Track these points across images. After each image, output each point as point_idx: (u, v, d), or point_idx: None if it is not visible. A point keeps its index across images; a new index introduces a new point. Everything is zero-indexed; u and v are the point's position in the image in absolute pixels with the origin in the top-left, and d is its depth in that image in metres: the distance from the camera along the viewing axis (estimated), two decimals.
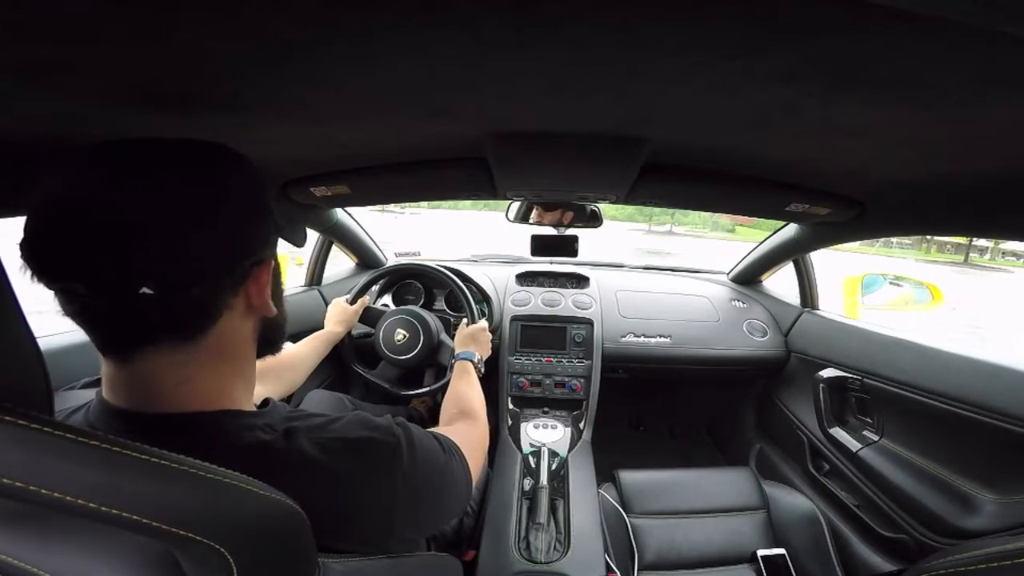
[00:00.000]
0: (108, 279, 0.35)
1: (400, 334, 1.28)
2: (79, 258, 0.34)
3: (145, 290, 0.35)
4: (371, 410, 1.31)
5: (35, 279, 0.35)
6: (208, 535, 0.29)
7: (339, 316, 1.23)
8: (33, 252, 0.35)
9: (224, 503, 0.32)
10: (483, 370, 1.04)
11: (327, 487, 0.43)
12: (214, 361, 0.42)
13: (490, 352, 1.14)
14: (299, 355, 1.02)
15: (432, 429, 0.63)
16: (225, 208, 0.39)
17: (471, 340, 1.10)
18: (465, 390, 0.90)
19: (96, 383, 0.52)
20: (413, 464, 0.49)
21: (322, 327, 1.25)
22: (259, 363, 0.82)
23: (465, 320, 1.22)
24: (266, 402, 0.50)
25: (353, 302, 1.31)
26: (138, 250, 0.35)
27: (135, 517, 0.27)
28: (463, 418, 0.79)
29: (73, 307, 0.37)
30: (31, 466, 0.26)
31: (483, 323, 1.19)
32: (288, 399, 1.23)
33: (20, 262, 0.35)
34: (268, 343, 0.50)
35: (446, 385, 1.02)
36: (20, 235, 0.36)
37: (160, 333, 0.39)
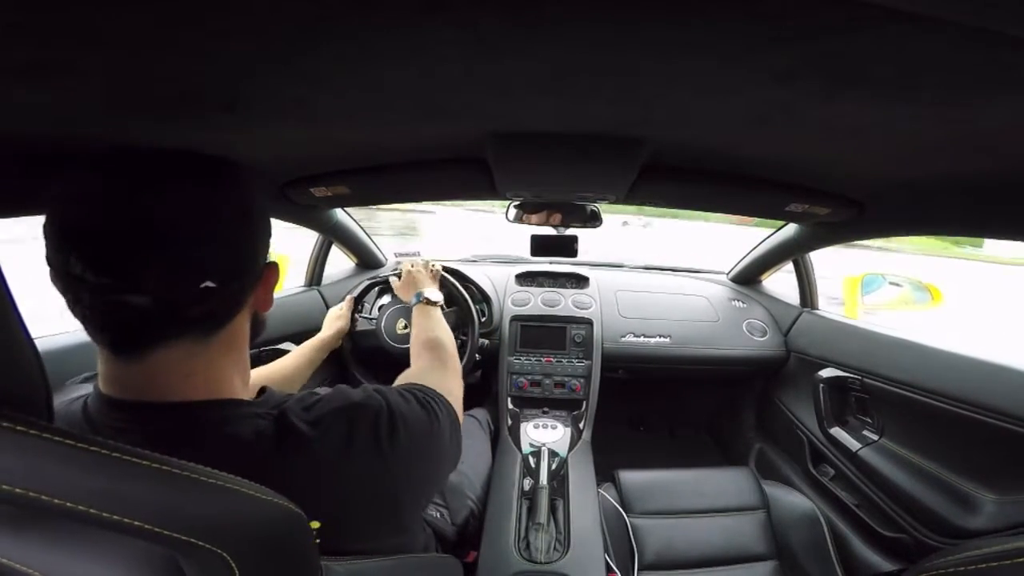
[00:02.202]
0: (176, 274, 0.38)
1: (402, 323, 1.28)
2: (146, 254, 0.37)
3: (208, 284, 0.40)
4: None
5: (87, 274, 0.36)
6: (211, 540, 0.29)
7: (331, 324, 1.23)
8: (93, 249, 0.37)
9: (226, 508, 0.32)
10: (438, 301, 1.02)
11: (324, 460, 0.44)
12: (221, 353, 0.45)
13: (433, 283, 1.10)
14: (293, 366, 1.02)
15: (405, 373, 0.65)
16: (254, 213, 0.46)
17: (410, 284, 1.07)
18: (428, 324, 0.90)
19: (94, 378, 0.53)
20: (400, 421, 0.51)
21: (321, 327, 1.25)
22: (256, 377, 0.82)
23: (398, 270, 1.18)
24: (263, 390, 0.52)
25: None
26: (203, 248, 0.40)
27: (137, 523, 0.27)
28: (431, 351, 0.78)
29: (106, 305, 0.38)
30: (32, 472, 0.26)
31: (412, 260, 1.16)
32: None
33: (59, 256, 0.37)
34: (251, 336, 0.53)
35: None
36: (53, 232, 0.38)
37: (188, 328, 0.41)
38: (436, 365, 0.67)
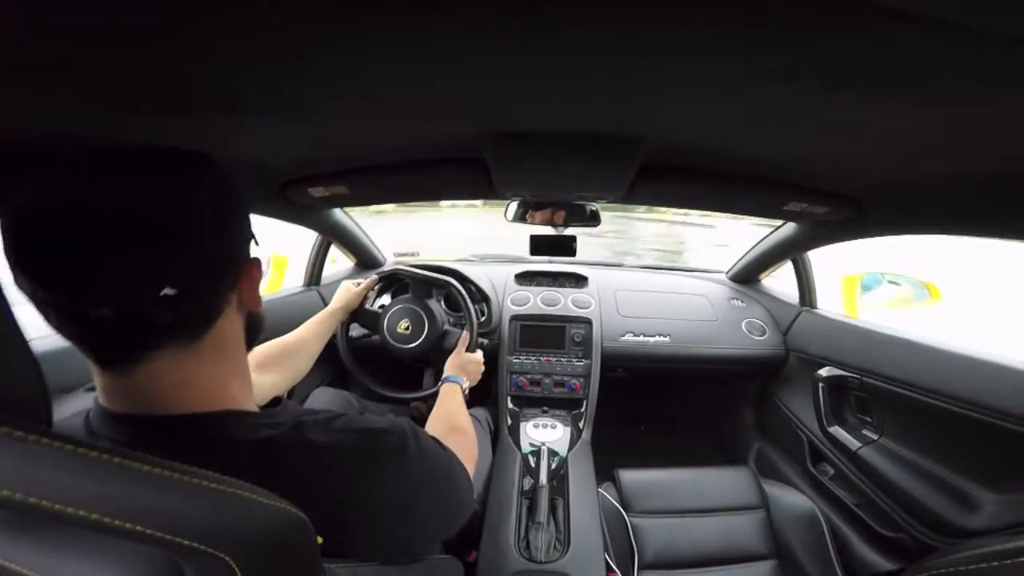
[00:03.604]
0: (132, 282, 0.35)
1: (404, 324, 1.28)
2: (94, 262, 0.33)
3: (167, 291, 0.35)
4: (374, 409, 1.31)
5: (38, 291, 0.34)
6: (214, 545, 0.29)
7: (342, 296, 1.22)
8: (36, 267, 0.34)
9: (230, 513, 0.31)
10: (467, 397, 1.05)
11: (338, 475, 0.43)
12: (213, 360, 0.43)
13: (477, 381, 1.15)
14: (302, 339, 1.01)
15: None
16: (223, 208, 0.42)
17: (462, 368, 1.10)
18: (453, 408, 0.91)
19: None
20: (421, 456, 0.50)
21: None
22: (263, 351, 0.81)
23: (464, 337, 1.21)
24: (277, 401, 0.50)
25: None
26: (158, 251, 0.35)
27: (139, 528, 0.27)
28: (452, 433, 0.80)
29: (72, 321, 0.36)
30: (31, 478, 0.26)
31: (478, 355, 1.19)
32: (291, 393, 1.23)
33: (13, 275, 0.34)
34: (250, 341, 0.51)
35: None
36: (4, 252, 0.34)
37: (166, 338, 0.39)
38: (457, 445, 0.67)
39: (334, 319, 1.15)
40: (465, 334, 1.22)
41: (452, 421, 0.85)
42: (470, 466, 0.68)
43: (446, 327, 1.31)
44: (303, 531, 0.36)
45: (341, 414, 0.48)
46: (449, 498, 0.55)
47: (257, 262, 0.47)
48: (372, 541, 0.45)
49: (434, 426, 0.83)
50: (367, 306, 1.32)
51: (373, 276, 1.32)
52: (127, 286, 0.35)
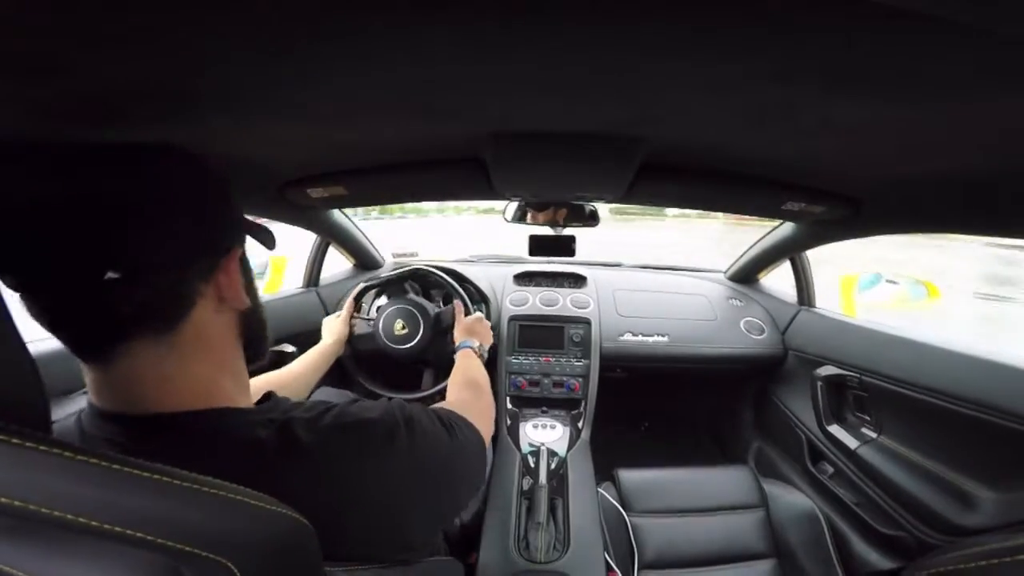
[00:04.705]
0: (72, 264, 0.35)
1: (399, 324, 1.28)
2: (41, 246, 0.35)
3: (111, 274, 0.35)
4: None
5: (4, 277, 0.35)
6: (215, 550, 0.29)
7: (329, 332, 1.23)
8: None
9: (231, 518, 0.31)
10: (486, 356, 1.05)
11: (326, 474, 0.42)
12: (195, 356, 0.42)
13: (491, 340, 1.15)
14: (300, 374, 1.01)
15: (435, 405, 0.63)
16: (185, 197, 0.41)
17: (469, 331, 1.11)
18: (471, 366, 0.92)
19: None
20: (412, 443, 0.49)
21: (319, 328, 1.26)
22: (260, 385, 0.82)
23: (461, 312, 1.22)
24: (268, 395, 0.49)
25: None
26: (98, 234, 0.35)
27: (139, 534, 0.27)
28: (467, 389, 0.80)
29: (40, 306, 0.37)
30: (28, 485, 0.26)
31: (478, 313, 1.20)
32: None
33: None
34: (251, 342, 0.49)
35: (445, 389, 1.02)
36: None
37: (132, 326, 0.38)
38: (471, 402, 0.66)
39: (330, 353, 1.16)
40: (457, 302, 1.24)
41: (467, 376, 0.86)
42: (486, 422, 0.67)
43: (437, 310, 1.31)
44: (305, 536, 0.35)
45: (331, 407, 0.47)
46: (451, 478, 0.54)
47: (234, 256, 0.45)
48: (367, 536, 0.44)
49: (450, 387, 0.85)
50: (356, 332, 1.32)
51: (348, 301, 1.34)
52: (67, 268, 0.35)
